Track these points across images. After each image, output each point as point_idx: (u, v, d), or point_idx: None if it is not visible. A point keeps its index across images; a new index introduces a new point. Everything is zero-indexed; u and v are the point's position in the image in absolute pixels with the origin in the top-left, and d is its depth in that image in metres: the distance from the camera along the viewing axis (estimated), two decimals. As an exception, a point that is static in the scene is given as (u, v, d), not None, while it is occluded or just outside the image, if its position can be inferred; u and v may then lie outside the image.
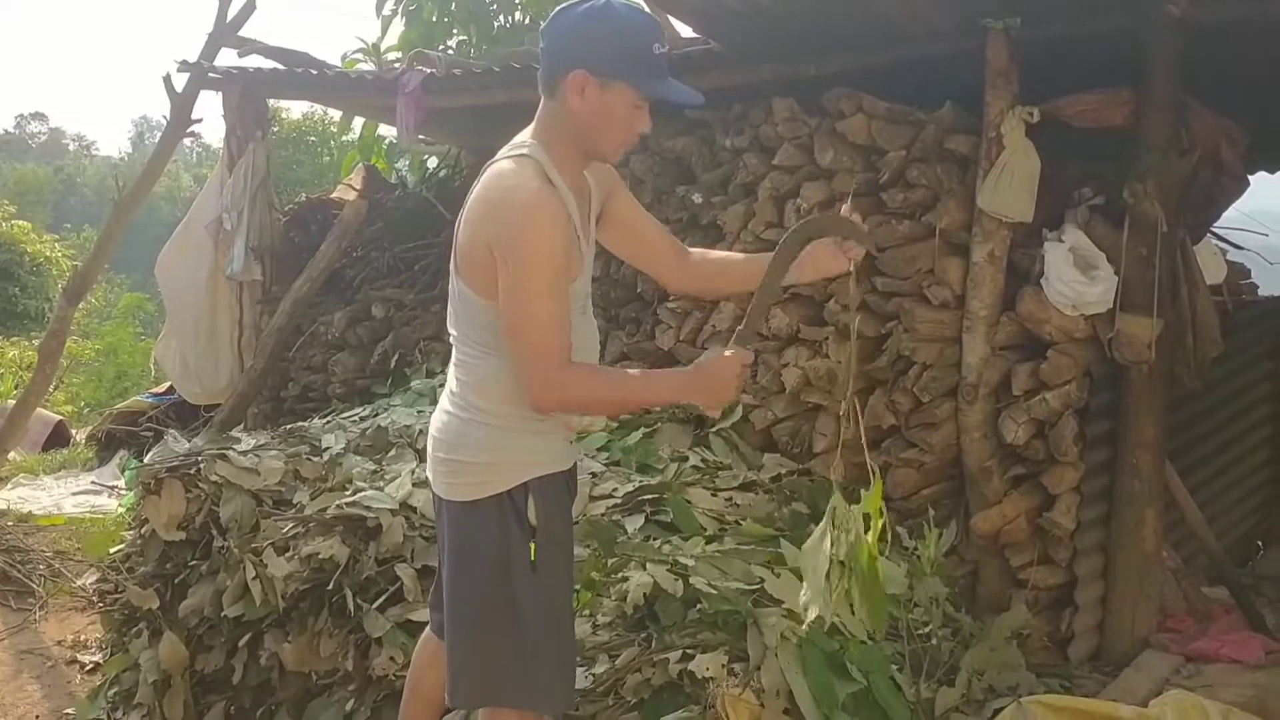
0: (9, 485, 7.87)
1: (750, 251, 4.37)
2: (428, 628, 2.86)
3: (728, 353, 2.39)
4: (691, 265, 2.78)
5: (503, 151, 2.45)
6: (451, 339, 2.56)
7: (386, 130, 8.41)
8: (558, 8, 2.40)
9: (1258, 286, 5.78)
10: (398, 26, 9.60)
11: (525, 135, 2.45)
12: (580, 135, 2.38)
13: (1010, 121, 3.84)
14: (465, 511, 2.48)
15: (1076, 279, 3.85)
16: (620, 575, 3.20)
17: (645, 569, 3.16)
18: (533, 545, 2.45)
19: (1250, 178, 4.50)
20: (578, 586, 3.03)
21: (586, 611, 3.12)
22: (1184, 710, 3.16)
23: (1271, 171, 6.14)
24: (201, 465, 3.92)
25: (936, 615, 3.45)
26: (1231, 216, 4.89)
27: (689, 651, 2.85)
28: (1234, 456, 5.55)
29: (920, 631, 3.35)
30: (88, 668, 4.48)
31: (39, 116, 54.35)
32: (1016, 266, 4.00)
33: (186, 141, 7.94)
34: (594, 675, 2.91)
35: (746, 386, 4.34)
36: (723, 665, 2.81)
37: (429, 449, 2.59)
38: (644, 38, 2.36)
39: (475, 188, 2.42)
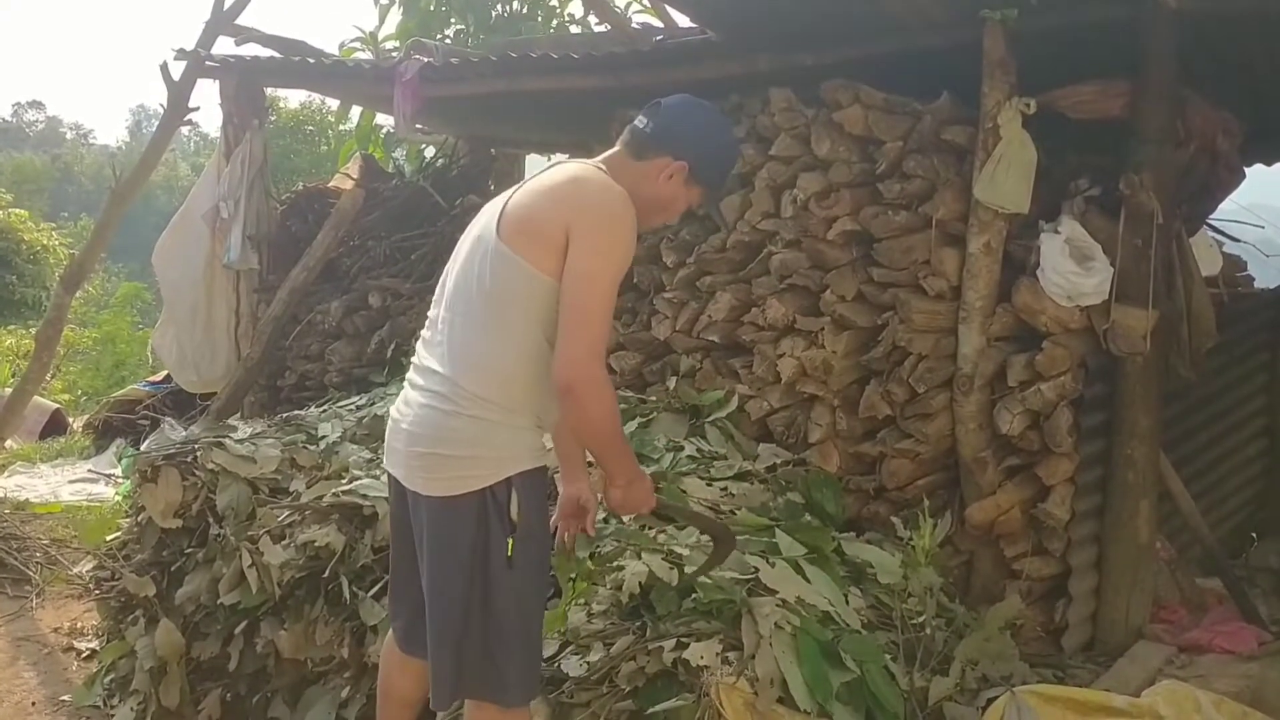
0: (6, 473, 7.88)
1: (747, 243, 4.39)
2: (390, 634, 2.86)
3: (654, 498, 2.71)
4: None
5: (585, 161, 2.65)
6: (445, 315, 2.56)
7: (384, 119, 8.40)
8: (697, 99, 2.71)
9: (1253, 279, 5.79)
10: (395, 15, 9.58)
11: (601, 163, 2.63)
12: (639, 200, 2.55)
13: (1007, 113, 3.83)
14: (444, 506, 2.48)
15: (1072, 270, 3.85)
16: (615, 564, 3.21)
17: (640, 558, 3.17)
18: (510, 541, 2.47)
19: (1247, 171, 4.50)
20: (573, 576, 3.03)
21: (581, 600, 3.13)
22: (1177, 700, 3.17)
23: (1268, 164, 6.13)
24: (198, 453, 3.94)
25: (931, 605, 3.46)
26: (1228, 209, 4.90)
27: (683, 640, 2.86)
28: (1228, 448, 5.55)
29: (914, 621, 3.36)
30: (84, 655, 4.49)
31: (36, 105, 54.36)
32: (1012, 258, 4.00)
33: (184, 130, 7.95)
34: (589, 663, 2.92)
35: (744, 379, 4.36)
36: (717, 654, 2.82)
37: (401, 444, 2.56)
38: (732, 163, 2.83)
39: (538, 176, 2.56)
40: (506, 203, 2.54)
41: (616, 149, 2.66)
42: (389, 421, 2.68)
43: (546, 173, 2.59)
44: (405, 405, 2.60)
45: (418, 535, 2.57)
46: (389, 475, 2.70)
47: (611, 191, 2.49)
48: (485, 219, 2.60)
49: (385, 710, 2.90)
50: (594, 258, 2.40)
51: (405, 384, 2.66)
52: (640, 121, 2.63)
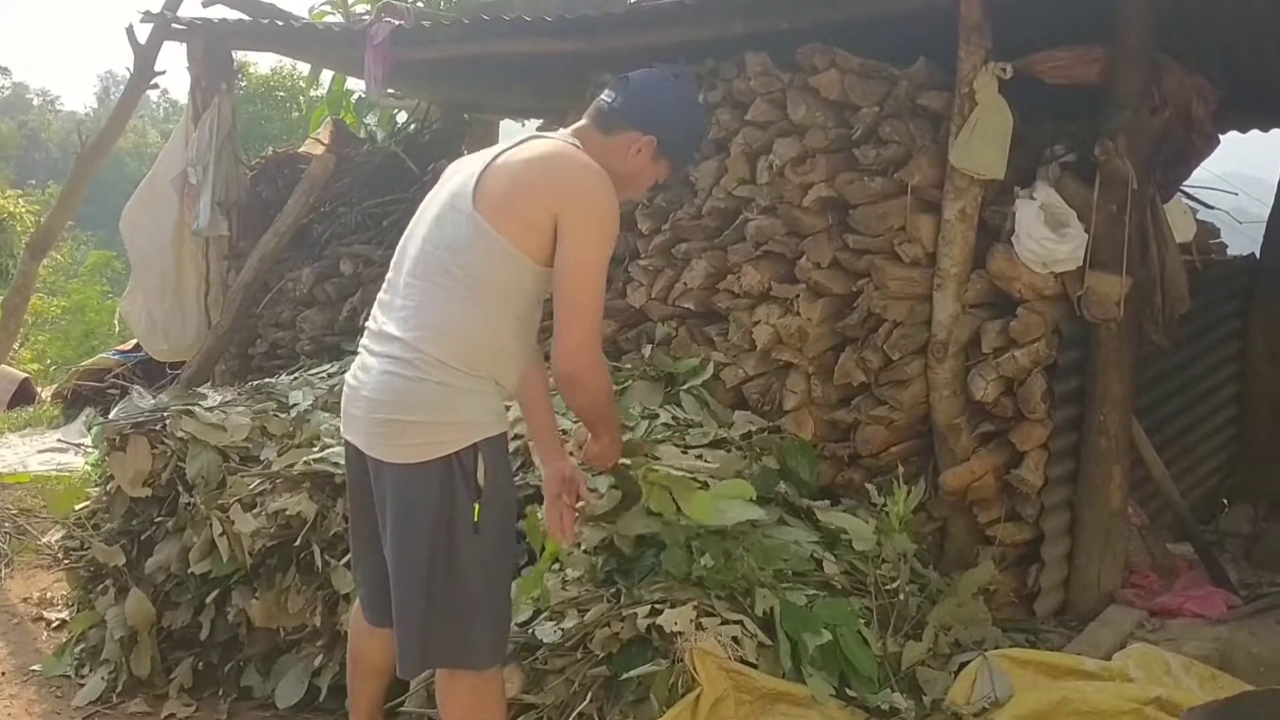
0: (-27, 443, 7.80)
1: (722, 210, 4.36)
2: (357, 602, 2.85)
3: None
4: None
5: (558, 135, 2.65)
6: (408, 281, 2.53)
7: (356, 84, 8.31)
8: (663, 69, 2.74)
9: (1226, 246, 5.82)
10: (366, -21, 9.45)
11: (572, 136, 2.64)
12: (609, 174, 2.56)
13: (983, 78, 3.81)
14: (408, 473, 2.46)
15: (1047, 236, 3.85)
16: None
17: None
18: (477, 506, 2.46)
19: (1221, 138, 4.50)
20: (545, 542, 3.02)
21: (556, 566, 3.12)
22: (1147, 663, 3.20)
23: (1243, 131, 6.16)
24: (167, 421, 3.90)
25: (904, 571, 3.48)
26: (1203, 177, 4.90)
27: (657, 606, 2.86)
28: (1200, 414, 5.60)
29: (888, 587, 3.37)
30: (54, 625, 4.45)
31: (2, 71, 53.28)
32: (987, 224, 3.99)
33: (153, 96, 7.85)
34: (563, 630, 2.92)
35: (718, 345, 4.35)
36: (691, 620, 2.82)
37: (361, 411, 2.53)
38: (700, 136, 2.88)
39: (511, 151, 2.55)
40: (482, 173, 2.50)
41: (585, 123, 2.67)
42: (345, 388, 2.63)
43: (526, 147, 2.56)
44: (363, 371, 2.55)
45: (379, 504, 2.54)
46: (346, 443, 2.66)
47: (597, 175, 2.51)
48: (456, 185, 2.55)
49: (356, 678, 2.90)
50: (587, 247, 2.46)
51: (360, 349, 2.62)
52: (608, 96, 2.66)
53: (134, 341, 8.14)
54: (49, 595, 4.74)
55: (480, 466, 2.46)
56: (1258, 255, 6.06)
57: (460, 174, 2.59)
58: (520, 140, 2.65)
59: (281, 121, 19.61)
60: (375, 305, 2.64)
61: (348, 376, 2.64)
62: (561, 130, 2.73)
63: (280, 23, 6.40)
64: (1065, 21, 3.91)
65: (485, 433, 2.49)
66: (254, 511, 3.55)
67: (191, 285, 6.49)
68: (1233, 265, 5.88)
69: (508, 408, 2.72)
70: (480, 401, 2.49)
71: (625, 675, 2.77)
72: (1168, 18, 3.90)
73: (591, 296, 2.48)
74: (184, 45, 6.56)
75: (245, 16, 6.69)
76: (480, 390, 2.49)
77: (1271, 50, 4.62)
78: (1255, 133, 6.22)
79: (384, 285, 2.64)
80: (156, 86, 6.83)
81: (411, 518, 2.46)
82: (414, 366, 2.44)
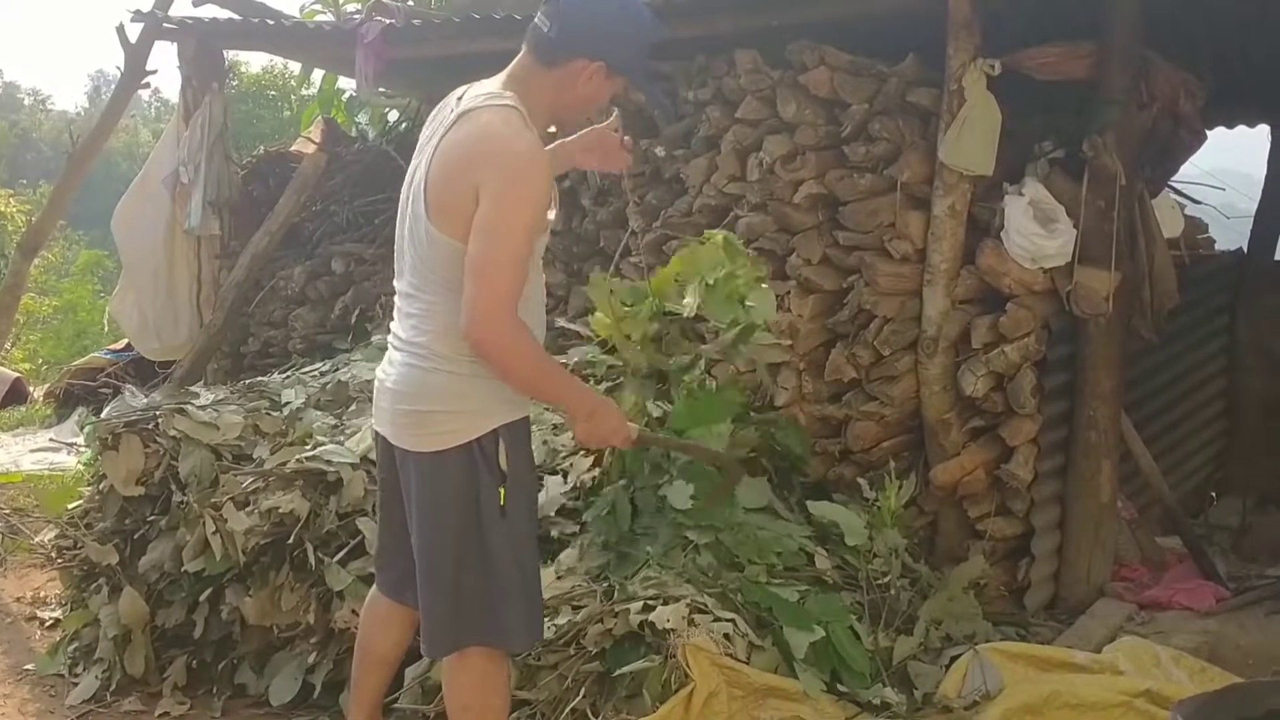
0: (-35, 443, 7.78)
1: (713, 207, 4.37)
2: (374, 588, 2.87)
3: (630, 423, 2.69)
4: None
5: (479, 100, 2.48)
6: (407, 290, 2.56)
7: (347, 83, 8.29)
8: None
9: (1214, 241, 5.85)
10: (358, -23, 9.43)
11: (497, 87, 2.50)
12: (561, 106, 2.53)
13: (972, 74, 3.83)
14: (433, 461, 2.50)
15: (1036, 232, 3.87)
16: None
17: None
18: (502, 490, 2.48)
19: (1208, 134, 4.53)
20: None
21: (548, 561, 3.13)
22: (1136, 656, 3.22)
23: (1230, 127, 6.19)
24: (160, 420, 3.89)
25: (895, 566, 3.50)
26: (1190, 173, 4.93)
27: (650, 603, 2.87)
28: (1189, 408, 5.62)
29: (879, 581, 3.40)
30: (47, 624, 4.44)
31: (-8, 70, 53.08)
32: (977, 220, 4.01)
33: (144, 95, 7.84)
34: (556, 626, 2.93)
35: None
36: (683, 616, 2.83)
37: (387, 403, 2.59)
38: (651, 38, 2.59)
39: (449, 132, 2.45)
40: (429, 167, 2.47)
41: (524, 54, 2.54)
42: (375, 382, 2.68)
43: (457, 126, 2.46)
44: (389, 365, 2.61)
45: (405, 493, 2.59)
46: (376, 435, 2.71)
47: (517, 144, 2.39)
48: (413, 179, 2.54)
49: (361, 667, 2.91)
50: (495, 213, 2.34)
51: (389, 344, 2.66)
52: (543, 24, 2.50)
53: (126, 341, 8.11)
54: (42, 594, 4.73)
55: (502, 451, 2.48)
56: (1245, 250, 6.09)
57: (416, 160, 2.55)
58: (458, 103, 2.52)
59: (273, 120, 19.53)
60: (396, 297, 2.65)
61: (376, 370, 2.68)
62: (502, 75, 2.55)
63: (271, 22, 6.38)
64: (1054, 18, 3.93)
65: (505, 418, 2.51)
66: (247, 510, 3.55)
67: (183, 284, 6.47)
68: (1221, 260, 5.91)
69: None
70: (498, 388, 2.49)
71: (618, 671, 2.79)
72: (1154, 13, 3.92)
73: (498, 261, 2.35)
74: (175, 45, 6.55)
75: (236, 16, 6.66)
76: (496, 377, 2.48)
77: (1258, 46, 4.64)
78: (1242, 128, 6.25)
79: (395, 280, 2.65)
80: (148, 86, 6.80)
81: (439, 505, 2.50)
82: (429, 359, 2.48)
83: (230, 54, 7.37)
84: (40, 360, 13.06)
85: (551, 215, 2.61)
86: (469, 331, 2.37)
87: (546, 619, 2.94)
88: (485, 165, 2.37)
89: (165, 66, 6.73)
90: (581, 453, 3.55)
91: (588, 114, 2.65)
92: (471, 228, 2.36)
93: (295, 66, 10.51)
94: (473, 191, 2.36)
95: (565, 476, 3.51)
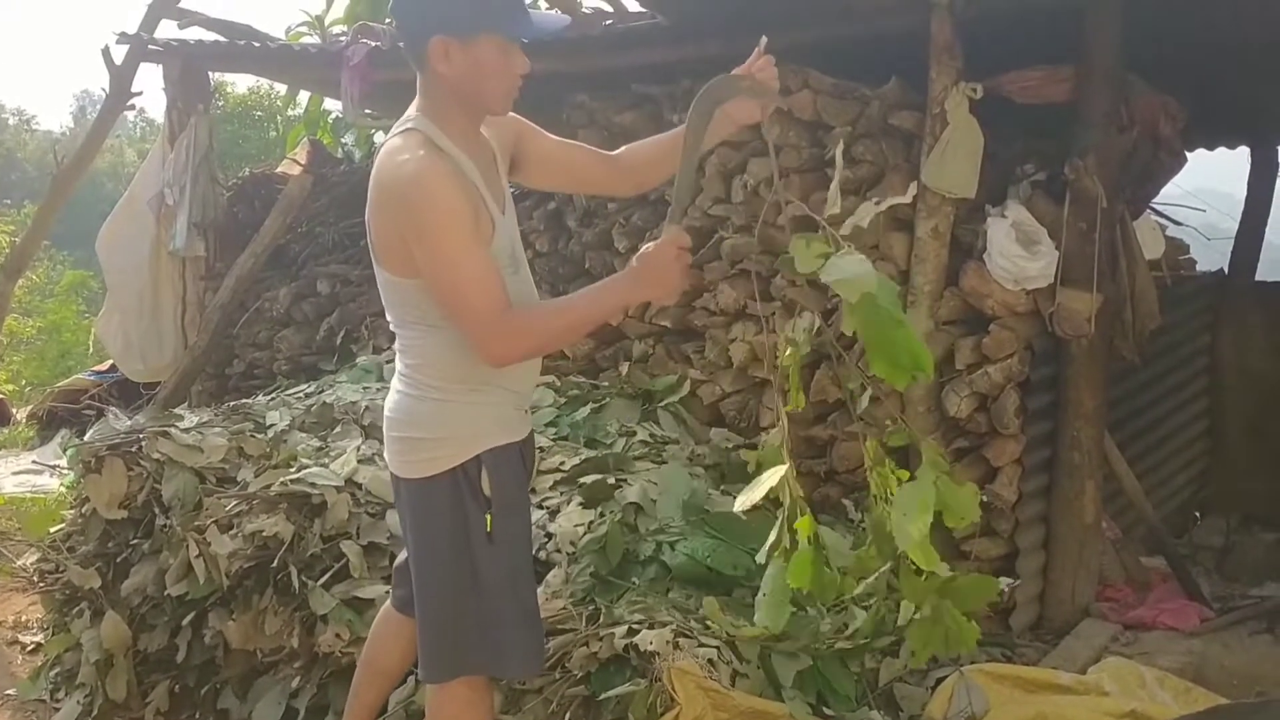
0: (-52, 465, 7.73)
1: (698, 227, 4.39)
2: (389, 601, 2.88)
3: (663, 238, 2.38)
4: (626, 165, 2.79)
5: (392, 130, 2.49)
6: (391, 324, 2.57)
7: (333, 105, 8.31)
8: None
9: (1195, 262, 5.88)
10: (343, 0, 9.47)
11: (411, 109, 2.47)
12: (462, 98, 2.40)
13: (954, 98, 3.86)
14: (421, 488, 2.50)
15: (1018, 254, 3.89)
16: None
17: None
18: (488, 516, 2.47)
19: (1189, 155, 4.56)
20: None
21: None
22: (1121, 676, 3.22)
23: (1210, 149, 6.23)
24: (143, 443, 3.87)
25: (881, 587, 3.49)
26: (1171, 193, 4.96)
27: (635, 626, 2.87)
28: (1171, 428, 5.65)
29: (864, 604, 3.39)
30: (29, 648, 4.42)
31: (-24, 90, 52.91)
32: (960, 242, 4.03)
33: (129, 116, 7.83)
34: (541, 649, 2.92)
35: (694, 362, 4.35)
36: (668, 641, 2.83)
37: (385, 430, 2.60)
38: None
39: (373, 176, 2.43)
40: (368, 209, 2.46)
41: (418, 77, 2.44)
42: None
43: (376, 161, 2.44)
44: (390, 393, 2.61)
45: (401, 519, 2.61)
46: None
47: (404, 171, 2.30)
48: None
49: (364, 680, 2.91)
50: (424, 252, 2.29)
51: None
52: (398, 39, 2.43)
53: (110, 362, 8.09)
54: (24, 618, 4.71)
55: (484, 477, 2.47)
56: (1226, 271, 6.13)
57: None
58: (383, 142, 2.48)
59: (259, 141, 19.55)
60: None
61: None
62: (411, 105, 2.47)
63: (257, 44, 6.41)
64: (1035, 42, 3.96)
65: (488, 444, 2.48)
66: (231, 533, 3.53)
67: (168, 305, 6.47)
68: (1202, 281, 5.94)
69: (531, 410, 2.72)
70: (481, 414, 2.49)
71: (603, 695, 2.77)
72: (1135, 37, 3.95)
73: (461, 291, 2.30)
74: (160, 66, 6.56)
75: (222, 38, 6.68)
76: (483, 403, 2.48)
77: (1237, 69, 4.69)
78: (1223, 150, 6.30)
79: None
80: (133, 108, 6.81)
81: (430, 532, 2.50)
82: (418, 387, 2.49)
83: (216, 75, 7.37)
84: (24, 381, 13.00)
85: (499, 213, 2.47)
86: (487, 362, 2.38)
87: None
88: (390, 205, 2.34)
89: (151, 88, 6.78)
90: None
91: (502, 91, 2.41)
92: (425, 276, 2.34)
93: (281, 87, 10.51)
94: (396, 230, 2.34)
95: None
